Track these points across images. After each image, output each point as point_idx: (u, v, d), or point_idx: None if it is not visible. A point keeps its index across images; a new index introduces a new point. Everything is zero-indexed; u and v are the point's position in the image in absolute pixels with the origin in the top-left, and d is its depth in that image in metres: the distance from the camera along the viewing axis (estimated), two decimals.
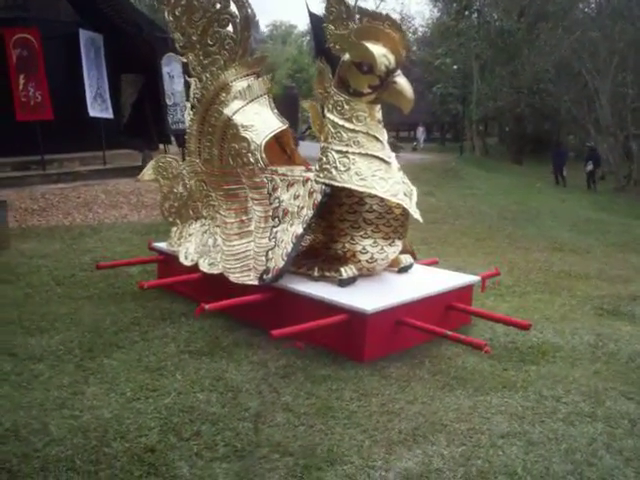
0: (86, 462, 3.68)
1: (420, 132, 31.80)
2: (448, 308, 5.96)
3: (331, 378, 4.91)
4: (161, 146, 16.73)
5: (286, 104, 16.58)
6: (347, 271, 5.80)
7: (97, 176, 13.79)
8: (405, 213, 5.77)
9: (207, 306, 5.54)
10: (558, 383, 5.00)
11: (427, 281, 6.09)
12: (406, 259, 6.32)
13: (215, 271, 6.34)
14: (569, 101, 29.71)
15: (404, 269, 6.31)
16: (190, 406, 4.39)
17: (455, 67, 29.70)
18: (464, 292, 6.20)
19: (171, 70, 15.07)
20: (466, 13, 29.53)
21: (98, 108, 15.03)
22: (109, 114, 15.43)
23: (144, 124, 16.12)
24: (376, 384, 4.83)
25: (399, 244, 5.98)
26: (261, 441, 3.96)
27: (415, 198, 5.87)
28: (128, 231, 10.89)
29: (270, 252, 5.98)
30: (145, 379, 4.83)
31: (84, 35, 14.74)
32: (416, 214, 5.72)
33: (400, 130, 35.31)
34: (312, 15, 29.97)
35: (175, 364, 5.12)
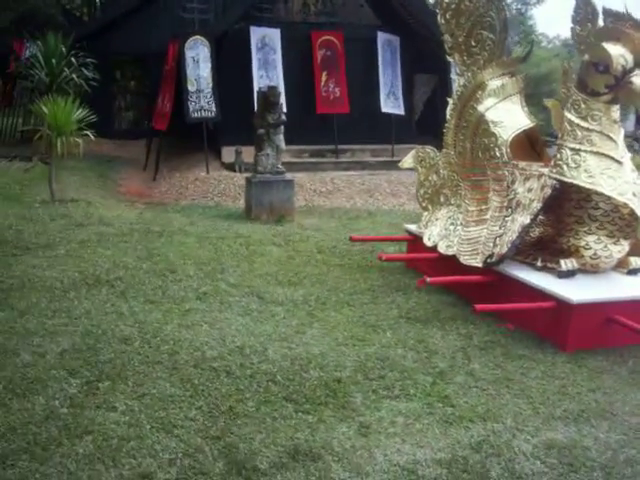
0: (284, 378, 4.58)
1: None
2: None
3: (526, 357, 5.22)
4: None
5: None
6: (567, 263, 5.99)
7: (384, 167, 14.85)
8: (633, 214, 5.79)
9: (429, 279, 6.18)
10: None
11: None
12: (636, 261, 6.27)
13: (450, 253, 6.85)
14: None
15: (634, 271, 6.27)
16: (386, 357, 5.03)
17: None
18: None
19: None
20: None
21: (390, 105, 16.14)
22: (400, 110, 16.43)
23: (435, 121, 16.87)
24: (567, 370, 5.04)
25: (625, 244, 6.00)
26: (432, 392, 4.49)
27: None
28: (400, 217, 11.66)
29: (498, 239, 6.36)
30: (359, 331, 5.58)
31: (382, 37, 15.97)
32: None
33: None
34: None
35: (390, 325, 5.79)
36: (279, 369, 4.70)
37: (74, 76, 15.14)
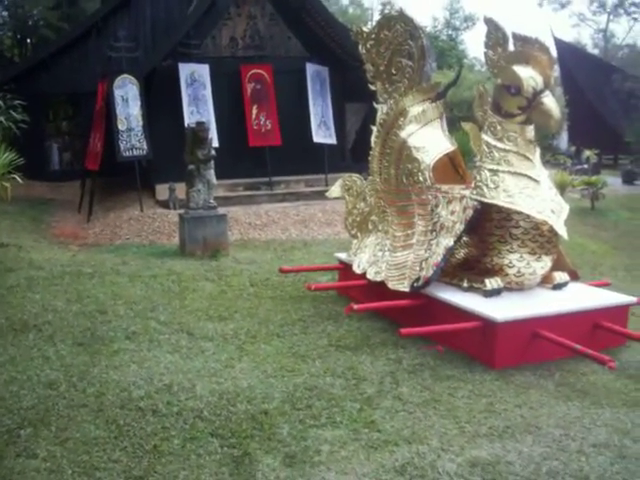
0: (211, 413, 4.56)
1: None
2: (595, 327, 5.99)
3: (454, 378, 5.28)
4: None
5: None
6: (491, 282, 6.10)
7: (318, 197, 14.83)
8: (553, 230, 5.94)
9: (356, 306, 6.22)
10: None
11: (574, 298, 6.17)
12: (560, 277, 6.42)
13: (378, 279, 6.91)
14: None
15: (558, 286, 6.41)
16: (314, 386, 5.04)
17: None
18: (616, 312, 6.16)
19: None
20: None
21: (322, 134, 16.30)
22: (332, 140, 16.60)
23: (368, 149, 17.11)
24: (494, 387, 5.11)
25: (547, 260, 6.15)
26: (359, 418, 4.50)
27: (564, 216, 6.02)
28: (336, 247, 11.69)
29: (423, 262, 6.44)
30: (288, 362, 5.56)
31: (311, 68, 16.17)
32: (562, 231, 5.89)
33: None
34: (558, 42, 29.55)
35: (320, 354, 5.79)
36: (206, 405, 4.66)
37: (2, 119, 14.89)
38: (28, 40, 25.72)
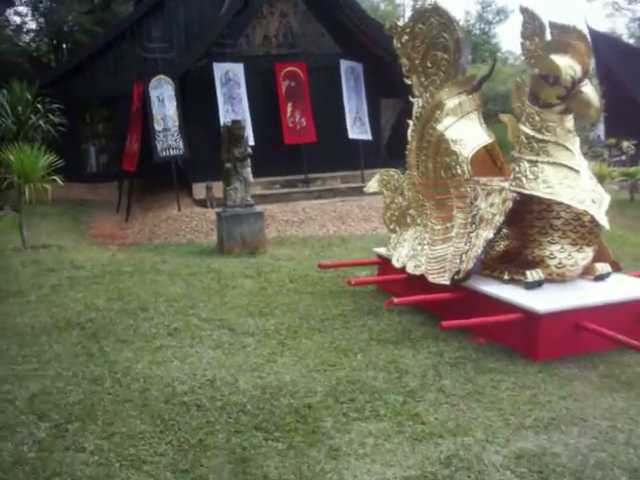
0: (254, 407, 4.58)
1: None
2: (639, 318, 5.89)
3: (497, 370, 5.23)
4: None
5: None
6: (533, 274, 6.04)
7: (355, 193, 14.89)
8: (594, 221, 5.87)
9: (396, 300, 6.20)
10: None
11: (617, 289, 6.09)
12: (602, 268, 6.33)
13: (418, 272, 6.89)
14: None
15: (600, 277, 6.32)
16: (357, 379, 5.04)
17: None
18: None
19: None
20: None
21: (357, 131, 16.31)
22: (368, 136, 16.60)
23: (403, 145, 17.05)
24: (538, 379, 5.06)
25: (589, 251, 6.07)
26: (402, 411, 4.49)
27: (606, 206, 5.94)
28: (374, 242, 11.65)
29: (463, 255, 6.41)
30: (330, 357, 5.57)
31: (344, 65, 16.19)
32: (603, 221, 5.81)
33: None
34: (592, 32, 29.05)
35: (361, 348, 5.79)
36: (249, 399, 4.69)
37: (41, 122, 15.18)
38: (64, 45, 26.12)
